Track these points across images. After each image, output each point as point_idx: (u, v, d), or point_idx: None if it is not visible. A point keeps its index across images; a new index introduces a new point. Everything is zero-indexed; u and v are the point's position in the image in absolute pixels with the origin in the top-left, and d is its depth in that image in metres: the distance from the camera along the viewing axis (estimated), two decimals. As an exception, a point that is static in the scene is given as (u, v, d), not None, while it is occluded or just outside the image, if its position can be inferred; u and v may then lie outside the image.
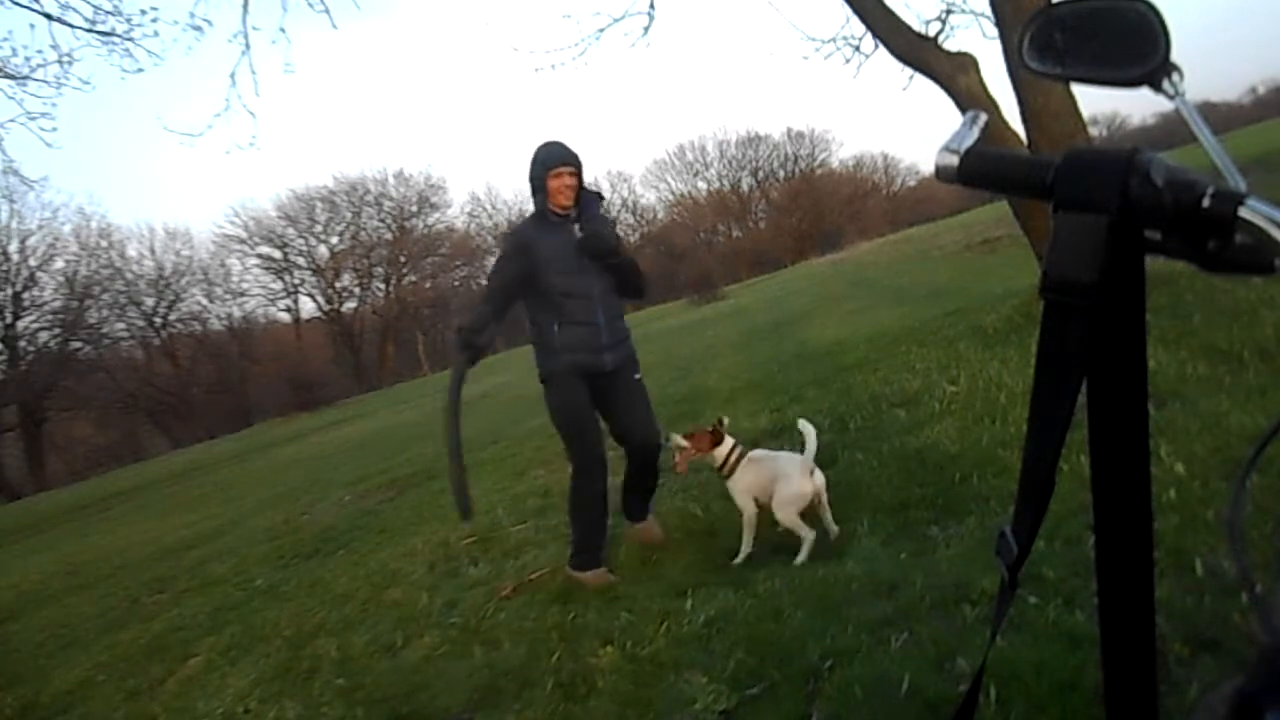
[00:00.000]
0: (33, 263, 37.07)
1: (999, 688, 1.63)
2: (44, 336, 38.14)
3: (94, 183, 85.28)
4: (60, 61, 8.91)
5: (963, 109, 5.54)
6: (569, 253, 3.02)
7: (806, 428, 2.98)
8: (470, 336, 2.82)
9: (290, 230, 48.06)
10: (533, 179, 3.06)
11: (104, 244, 40.16)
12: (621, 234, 3.22)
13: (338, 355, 47.43)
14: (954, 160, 0.60)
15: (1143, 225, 0.48)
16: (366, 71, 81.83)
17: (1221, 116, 55.11)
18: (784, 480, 2.88)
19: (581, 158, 3.06)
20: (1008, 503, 2.65)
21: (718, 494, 3.79)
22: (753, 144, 54.37)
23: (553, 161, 3.03)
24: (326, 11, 8.42)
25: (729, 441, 3.07)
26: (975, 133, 0.61)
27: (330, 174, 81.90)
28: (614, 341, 3.11)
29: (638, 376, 3.21)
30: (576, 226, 3.06)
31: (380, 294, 50.95)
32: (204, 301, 46.05)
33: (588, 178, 3.11)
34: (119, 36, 8.72)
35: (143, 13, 8.88)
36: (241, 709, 2.91)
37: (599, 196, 3.21)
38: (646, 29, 8.26)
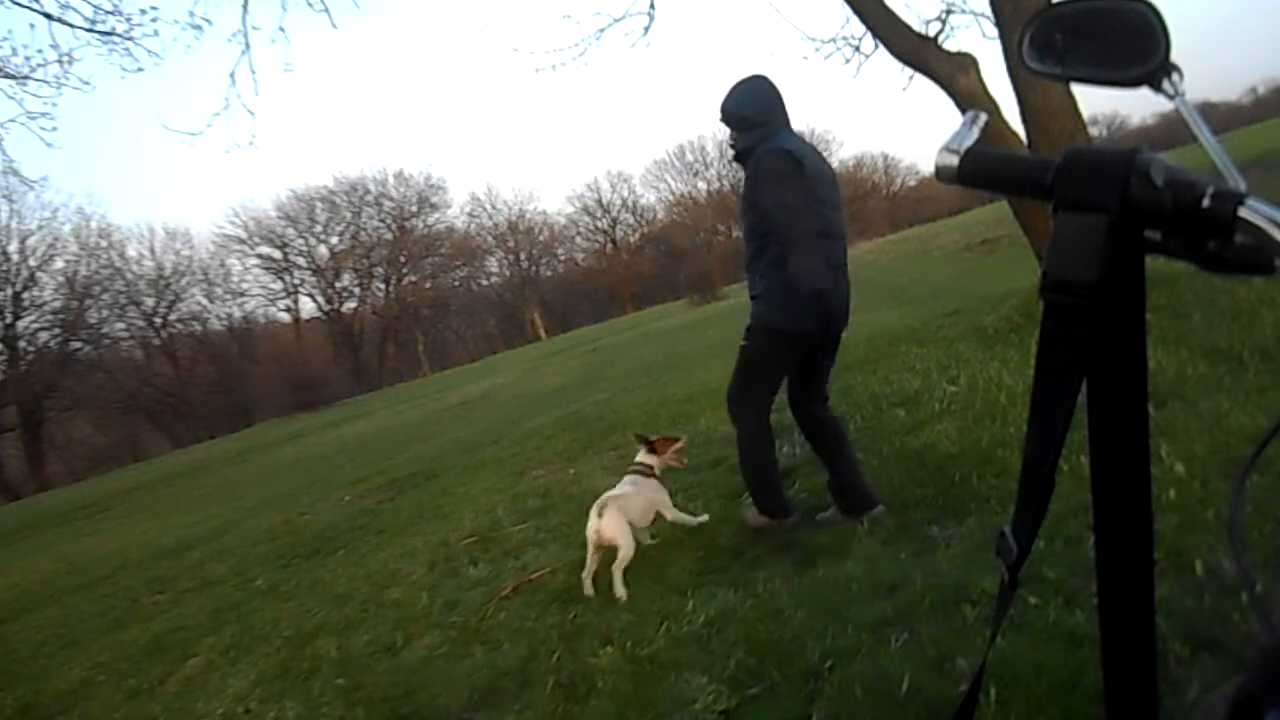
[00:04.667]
0: (33, 263, 37.23)
1: (999, 688, 1.63)
2: (44, 336, 38.29)
3: (94, 183, 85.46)
4: (60, 61, 8.90)
5: (963, 109, 5.55)
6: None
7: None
8: None
9: (290, 230, 48.27)
10: None
11: (104, 244, 40.37)
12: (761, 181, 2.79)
13: (338, 355, 47.48)
14: (954, 160, 0.60)
15: (1143, 225, 0.48)
16: (366, 71, 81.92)
17: (1221, 116, 55.17)
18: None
19: (732, 109, 2.88)
20: (1008, 503, 2.65)
21: (718, 494, 3.80)
22: (753, 144, 54.31)
23: None
24: (326, 11, 8.43)
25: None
26: (975, 133, 0.61)
27: (330, 174, 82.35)
28: (751, 295, 2.99)
29: (740, 343, 3.03)
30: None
31: (380, 294, 51.10)
32: (204, 301, 46.24)
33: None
34: (119, 36, 8.71)
35: (143, 12, 8.86)
36: (241, 709, 2.91)
37: (771, 153, 2.78)
38: (646, 29, 8.27)
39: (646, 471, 3.26)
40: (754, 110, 2.86)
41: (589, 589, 2.95)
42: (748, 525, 3.18)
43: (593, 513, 2.98)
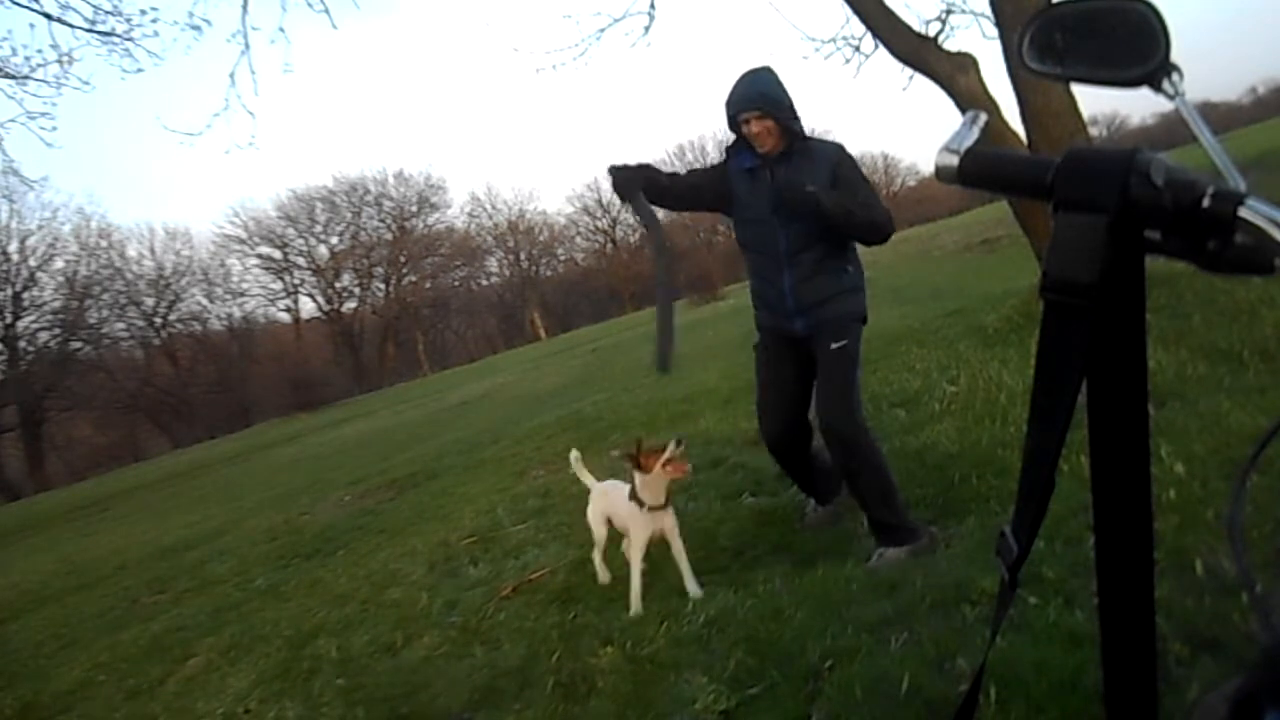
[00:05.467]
0: (33, 263, 37.22)
1: (999, 688, 1.63)
2: (44, 336, 38.27)
3: (94, 183, 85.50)
4: (60, 61, 8.92)
5: (963, 109, 5.54)
6: (759, 200, 2.68)
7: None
8: (622, 170, 2.57)
9: (290, 230, 48.25)
10: (728, 121, 2.70)
11: (104, 244, 40.36)
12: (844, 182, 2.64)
13: (338, 355, 47.47)
14: (954, 160, 0.60)
15: (1143, 225, 0.48)
16: (366, 71, 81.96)
17: (1221, 116, 55.22)
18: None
19: (778, 95, 2.62)
20: (1008, 503, 2.64)
21: (718, 494, 3.79)
22: (753, 144, 54.33)
23: (733, 105, 2.64)
24: (326, 11, 8.42)
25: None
26: (975, 133, 0.61)
27: (330, 174, 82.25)
28: (807, 305, 2.71)
29: (834, 346, 2.69)
30: (771, 173, 2.67)
31: (380, 294, 51.08)
32: (204, 301, 46.23)
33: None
34: (119, 36, 8.73)
35: (143, 13, 8.86)
36: (241, 709, 2.91)
37: (837, 147, 2.71)
38: (647, 29, 8.26)
39: (632, 493, 2.76)
40: (790, 98, 2.67)
41: (603, 575, 3.03)
42: (887, 565, 2.52)
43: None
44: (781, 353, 2.87)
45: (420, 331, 52.11)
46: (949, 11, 6.83)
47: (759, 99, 2.62)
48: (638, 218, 2.59)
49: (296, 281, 49.20)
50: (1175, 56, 0.59)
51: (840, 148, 2.73)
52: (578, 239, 57.55)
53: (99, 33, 8.67)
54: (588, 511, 3.05)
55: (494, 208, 54.84)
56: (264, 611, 4.16)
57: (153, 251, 43.83)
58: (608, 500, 2.96)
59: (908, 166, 59.97)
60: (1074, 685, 1.59)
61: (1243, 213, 0.46)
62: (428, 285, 52.09)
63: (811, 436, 2.95)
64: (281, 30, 10.61)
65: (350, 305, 50.45)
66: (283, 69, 9.41)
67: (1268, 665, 0.47)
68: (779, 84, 2.67)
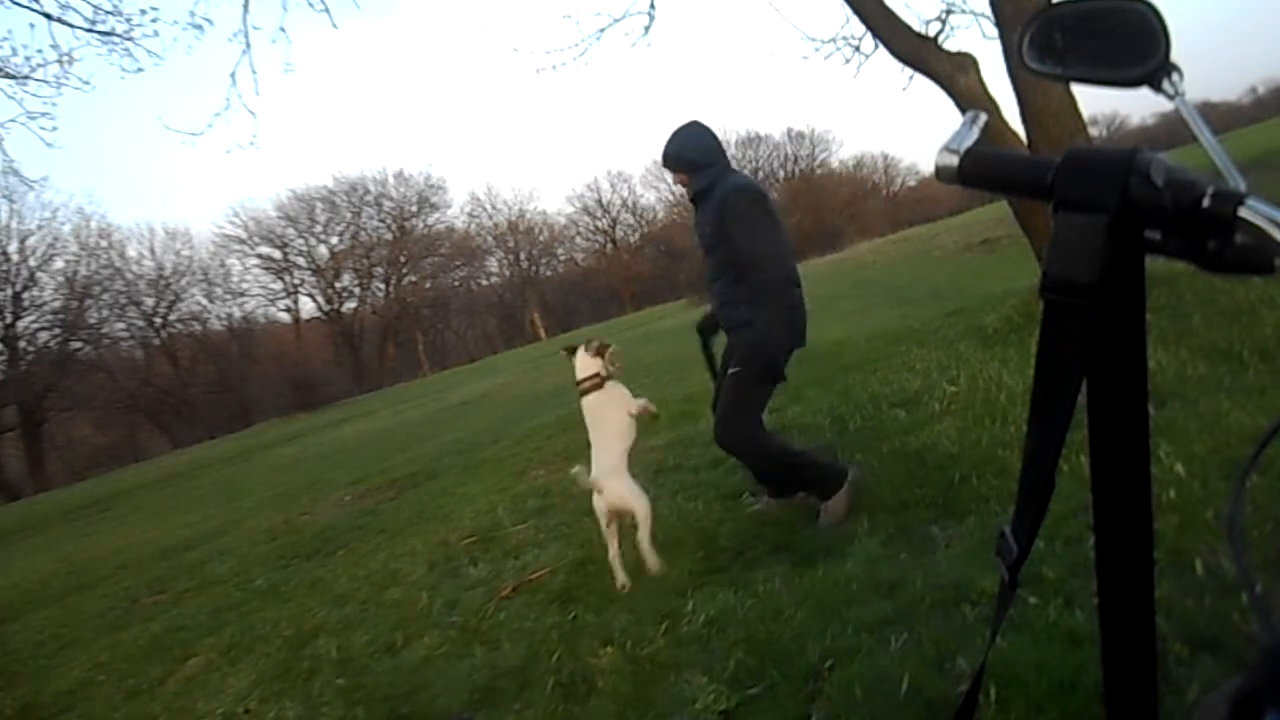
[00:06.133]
0: (33, 263, 37.25)
1: (999, 688, 1.63)
2: (44, 336, 38.29)
3: (94, 183, 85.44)
4: (60, 61, 8.93)
5: (963, 109, 5.55)
6: (698, 233, 3.14)
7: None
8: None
9: (290, 230, 48.30)
10: None
11: (104, 244, 40.40)
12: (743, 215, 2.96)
13: (338, 355, 47.48)
14: (954, 160, 0.60)
15: (1143, 225, 0.48)
16: (366, 71, 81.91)
17: (1221, 116, 55.19)
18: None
19: (683, 154, 3.04)
20: (1008, 503, 2.65)
21: (718, 494, 3.80)
22: (753, 144, 54.47)
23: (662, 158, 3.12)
24: (326, 11, 8.42)
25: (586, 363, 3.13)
26: (975, 133, 0.61)
27: (330, 174, 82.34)
28: (726, 325, 3.11)
29: (730, 371, 3.06)
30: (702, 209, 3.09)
31: (380, 294, 51.10)
32: (204, 301, 46.27)
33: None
34: (119, 36, 8.73)
35: (143, 13, 8.86)
36: (241, 709, 2.92)
37: (737, 190, 2.96)
38: (647, 29, 8.27)
39: (598, 382, 3.10)
40: (700, 153, 3.02)
41: (621, 576, 2.92)
42: (834, 517, 3.01)
43: (593, 493, 2.97)
44: (726, 360, 3.20)
45: (420, 331, 52.14)
46: (949, 11, 6.83)
47: (668, 158, 3.08)
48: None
49: (296, 281, 49.31)
50: (1175, 56, 0.59)
51: (730, 191, 2.95)
52: (578, 239, 57.61)
53: (99, 33, 8.68)
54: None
55: (494, 208, 54.93)
56: (264, 611, 4.17)
57: (153, 251, 43.93)
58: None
59: (908, 166, 60.13)
60: (1074, 685, 1.59)
61: (1243, 213, 0.46)
62: (428, 285, 52.13)
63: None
64: (282, 30, 10.59)
65: (350, 305, 50.55)
66: (283, 69, 9.42)
67: (1268, 665, 0.47)
68: (691, 141, 3.04)
